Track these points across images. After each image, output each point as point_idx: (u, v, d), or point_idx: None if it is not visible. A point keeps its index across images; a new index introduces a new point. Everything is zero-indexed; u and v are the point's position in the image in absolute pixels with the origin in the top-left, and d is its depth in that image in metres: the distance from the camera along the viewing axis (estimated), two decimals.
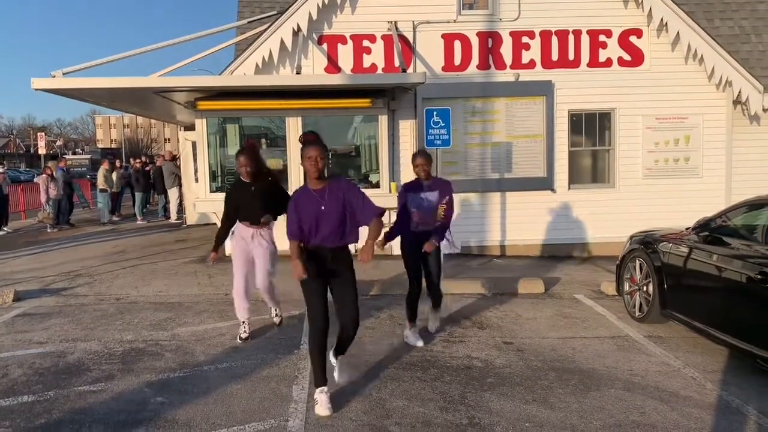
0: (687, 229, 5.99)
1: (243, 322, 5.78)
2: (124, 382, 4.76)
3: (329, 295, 4.30)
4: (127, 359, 5.28)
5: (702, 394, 4.51)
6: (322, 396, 4.18)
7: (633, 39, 10.02)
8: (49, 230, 14.66)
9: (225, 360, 5.20)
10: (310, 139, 4.21)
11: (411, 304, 5.68)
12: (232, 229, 5.75)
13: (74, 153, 58.33)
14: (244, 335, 5.74)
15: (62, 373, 4.97)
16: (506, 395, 4.48)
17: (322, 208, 4.14)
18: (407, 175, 10.00)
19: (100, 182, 16.48)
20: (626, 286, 6.66)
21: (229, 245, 6.22)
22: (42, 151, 27.62)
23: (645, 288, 6.21)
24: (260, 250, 5.67)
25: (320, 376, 4.24)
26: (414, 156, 5.64)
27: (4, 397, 4.46)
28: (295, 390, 4.55)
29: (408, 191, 5.65)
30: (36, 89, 8.42)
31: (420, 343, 5.56)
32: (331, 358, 4.45)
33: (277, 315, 6.17)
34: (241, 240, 5.68)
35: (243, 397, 4.44)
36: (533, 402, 4.36)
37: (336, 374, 4.47)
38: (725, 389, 4.59)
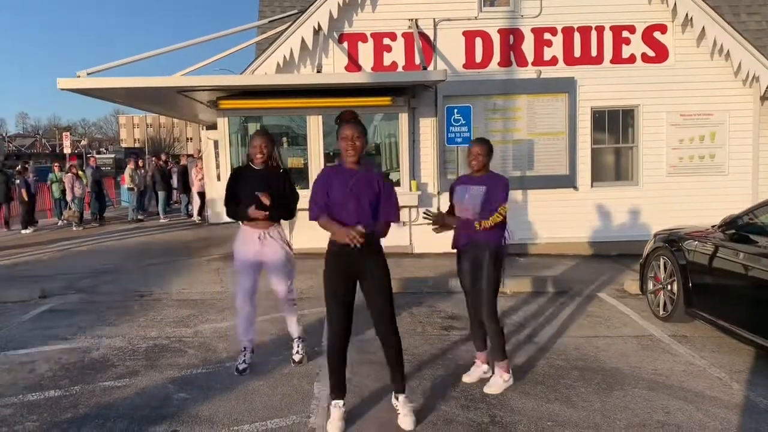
0: (713, 226, 5.89)
1: (244, 348, 4.96)
2: (148, 378, 4.82)
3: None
4: (150, 355, 5.34)
5: (728, 394, 4.44)
6: (335, 411, 3.87)
7: (657, 35, 9.88)
8: (74, 228, 14.89)
9: None
10: (347, 118, 3.91)
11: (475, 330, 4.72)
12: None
13: (98, 152, 59.17)
14: (242, 366, 4.86)
15: (87, 368, 5.05)
16: (528, 394, 4.44)
17: (352, 188, 3.81)
18: (427, 172, 10.01)
19: (127, 181, 16.73)
20: (650, 285, 6.57)
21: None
22: (67, 150, 28.05)
23: (669, 287, 6.13)
24: (273, 253, 4.80)
25: (337, 387, 3.91)
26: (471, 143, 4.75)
27: (31, 392, 4.55)
28: (317, 387, 4.57)
29: (456, 183, 4.78)
30: (62, 89, 8.56)
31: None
32: (393, 402, 4.03)
33: (297, 352, 5.05)
34: (244, 246, 4.82)
35: (265, 394, 4.46)
36: (555, 401, 4.33)
37: (402, 421, 3.89)
38: (752, 389, 4.50)
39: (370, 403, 4.27)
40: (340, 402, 3.92)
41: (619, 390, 4.52)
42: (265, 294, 5.80)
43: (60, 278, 8.57)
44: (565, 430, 3.88)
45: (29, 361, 5.23)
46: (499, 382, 4.48)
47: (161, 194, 17.10)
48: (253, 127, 10.01)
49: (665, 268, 6.25)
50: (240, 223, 4.93)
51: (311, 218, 3.91)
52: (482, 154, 4.58)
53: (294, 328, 5.11)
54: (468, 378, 4.65)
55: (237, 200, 4.76)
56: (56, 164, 17.27)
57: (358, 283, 3.93)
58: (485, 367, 4.69)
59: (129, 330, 6.12)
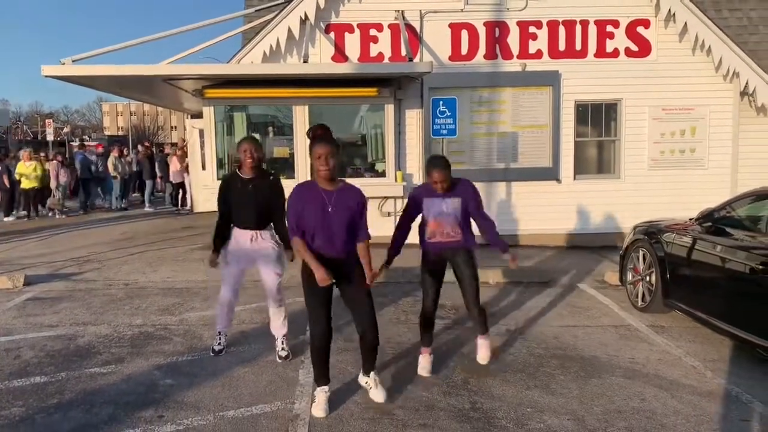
0: (690, 219, 6.03)
1: (219, 333, 5.14)
2: (134, 364, 4.86)
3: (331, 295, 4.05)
4: (136, 343, 5.38)
5: (702, 382, 4.57)
6: (321, 395, 4.01)
7: (640, 29, 10.00)
8: (57, 216, 14.80)
9: (232, 344, 5.28)
10: (319, 134, 3.87)
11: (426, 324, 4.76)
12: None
13: (81, 140, 58.41)
14: (218, 347, 5.08)
15: (73, 355, 5.07)
16: (508, 381, 4.55)
17: (330, 210, 3.82)
18: (413, 164, 10.07)
19: (111, 169, 16.60)
20: (629, 276, 6.71)
21: None
22: (50, 137, 27.73)
23: (648, 278, 6.26)
24: (263, 253, 4.90)
25: (322, 376, 4.03)
26: (428, 166, 4.49)
27: (17, 378, 4.57)
28: (302, 374, 4.64)
29: (423, 196, 4.55)
30: (46, 76, 8.49)
31: (426, 374, 4.69)
32: (361, 380, 4.24)
33: (283, 348, 5.02)
34: (236, 245, 4.90)
35: (250, 381, 4.53)
36: (535, 388, 4.43)
37: (373, 394, 4.15)
38: (725, 378, 4.64)
39: (351, 388, 4.35)
40: (326, 387, 4.04)
41: (597, 378, 4.64)
42: (253, 283, 5.85)
43: (44, 266, 8.54)
44: (544, 416, 3.98)
45: (14, 348, 5.24)
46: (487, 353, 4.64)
47: (148, 183, 17.01)
48: (238, 117, 10.01)
49: (644, 259, 6.38)
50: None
51: (289, 233, 3.96)
52: (446, 180, 4.41)
53: (278, 327, 5.04)
54: (425, 371, 4.69)
55: (228, 211, 4.87)
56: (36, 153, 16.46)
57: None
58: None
59: (114, 317, 6.15)
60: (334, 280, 3.86)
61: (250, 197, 4.74)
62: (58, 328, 5.80)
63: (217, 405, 4.12)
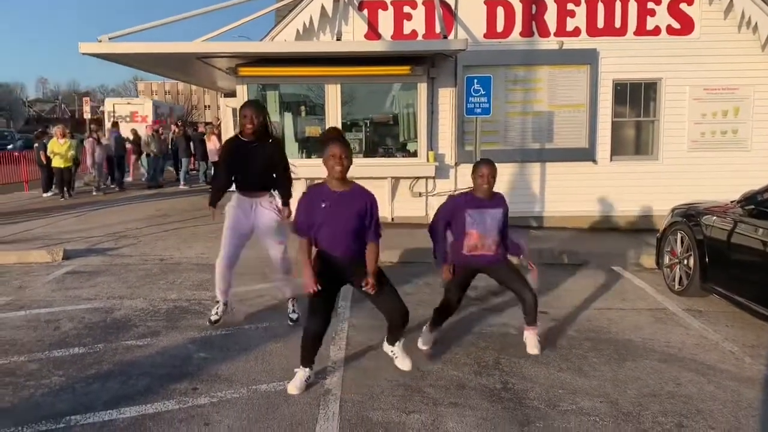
0: (732, 202, 5.86)
1: (217, 301, 5.19)
2: (169, 338, 4.95)
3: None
4: (171, 317, 5.47)
5: (740, 367, 4.47)
6: (300, 374, 4.01)
7: (683, 6, 9.68)
8: (94, 193, 15.10)
9: (265, 320, 5.35)
10: (333, 135, 4.06)
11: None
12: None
13: (115, 120, 59.40)
14: (214, 317, 5.15)
15: (110, 327, 5.19)
16: (540, 362, 4.51)
17: (337, 210, 3.85)
18: (445, 143, 9.98)
19: (144, 147, 16.88)
20: (666, 259, 6.57)
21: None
22: (87, 115, 28.28)
23: (685, 261, 6.13)
24: (264, 219, 4.98)
25: (306, 359, 4.03)
26: (477, 165, 4.48)
27: (57, 349, 4.70)
28: (333, 350, 4.67)
29: (467, 206, 4.44)
30: (83, 53, 8.61)
31: (425, 347, 4.72)
32: (386, 348, 4.33)
33: (294, 311, 5.25)
34: (238, 209, 4.98)
35: (282, 356, 4.57)
36: (567, 370, 4.39)
37: (399, 363, 4.25)
38: (764, 364, 4.53)
39: (381, 365, 4.35)
40: (308, 370, 4.05)
41: (631, 361, 4.57)
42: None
43: (81, 241, 8.73)
44: (577, 398, 3.94)
45: (54, 320, 5.39)
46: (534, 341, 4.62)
47: (184, 161, 17.24)
48: (272, 95, 10.04)
49: (682, 242, 6.24)
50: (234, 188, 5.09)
51: (294, 230, 4.02)
52: (493, 176, 4.40)
53: (288, 290, 5.27)
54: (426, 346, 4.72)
55: (227, 171, 4.96)
56: (57, 129, 15.06)
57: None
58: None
59: (150, 292, 6.26)
60: (318, 288, 3.82)
61: (249, 160, 4.80)
62: (95, 301, 5.94)
63: (250, 379, 4.17)
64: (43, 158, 14.81)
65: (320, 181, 4.00)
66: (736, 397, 3.98)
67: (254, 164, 4.83)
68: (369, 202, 3.93)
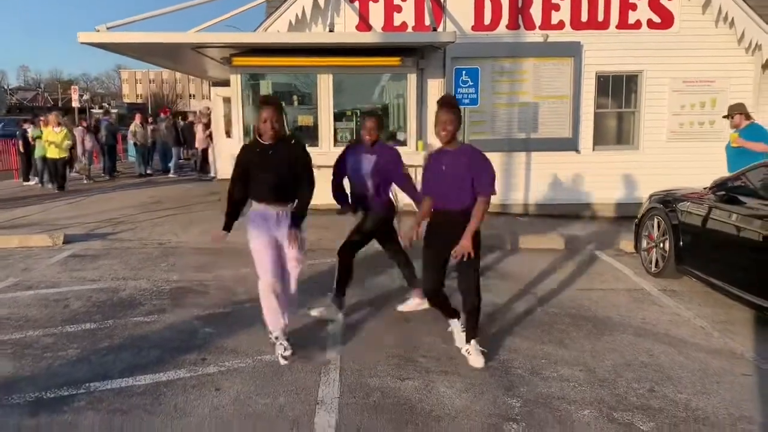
0: (705, 188, 6.21)
1: (276, 338, 4.38)
2: (175, 315, 5.22)
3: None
4: (175, 296, 5.74)
5: (708, 341, 4.83)
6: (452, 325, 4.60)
7: (663, 1, 10.02)
8: (85, 181, 15.22)
9: None
10: (447, 100, 4.26)
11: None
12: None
13: (101, 107, 58.97)
14: (287, 352, 4.26)
15: (117, 306, 5.45)
16: (524, 336, 4.84)
17: (444, 168, 4.23)
18: (433, 133, 10.24)
19: (131, 136, 16.99)
20: (644, 243, 6.93)
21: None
22: (75, 104, 28.23)
23: (662, 244, 6.49)
24: (286, 234, 4.34)
25: (446, 313, 4.58)
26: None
27: (69, 324, 4.96)
28: (331, 325, 4.97)
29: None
30: (82, 43, 8.78)
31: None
32: (463, 347, 4.40)
33: (286, 348, 4.31)
34: (262, 220, 4.34)
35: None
36: (549, 343, 4.72)
37: (472, 361, 4.28)
38: (731, 338, 4.89)
39: (355, 330, 4.66)
40: (455, 320, 4.59)
41: (609, 335, 4.91)
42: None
43: (78, 227, 8.92)
44: (557, 367, 4.28)
45: (62, 299, 5.63)
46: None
47: (174, 150, 17.38)
48: (264, 85, 10.25)
49: (659, 227, 6.59)
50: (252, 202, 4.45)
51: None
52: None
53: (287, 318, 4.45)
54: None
55: (245, 179, 4.33)
56: (41, 119, 14.70)
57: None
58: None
59: (152, 273, 6.52)
60: (414, 240, 4.55)
61: (273, 165, 4.24)
62: (100, 282, 6.19)
63: (255, 350, 4.46)
64: (21, 147, 14.79)
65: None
66: (703, 366, 4.33)
67: (279, 170, 4.25)
68: (473, 154, 4.27)
